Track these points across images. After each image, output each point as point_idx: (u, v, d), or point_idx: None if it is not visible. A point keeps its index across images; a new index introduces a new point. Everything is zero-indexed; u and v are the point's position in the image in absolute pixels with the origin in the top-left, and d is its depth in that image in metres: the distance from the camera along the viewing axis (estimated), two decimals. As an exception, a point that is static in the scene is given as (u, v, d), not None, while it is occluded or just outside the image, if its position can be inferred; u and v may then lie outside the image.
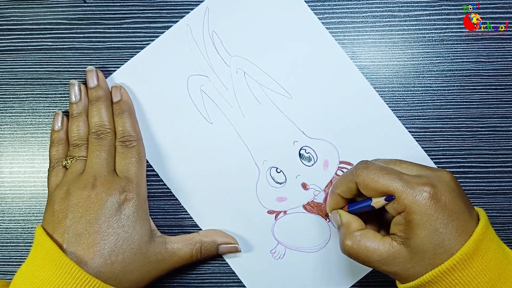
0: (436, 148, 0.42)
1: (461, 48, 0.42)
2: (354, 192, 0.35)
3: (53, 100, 0.43)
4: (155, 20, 0.42)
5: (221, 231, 0.41)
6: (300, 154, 0.42)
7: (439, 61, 0.42)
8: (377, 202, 0.34)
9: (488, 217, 0.34)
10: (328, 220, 0.41)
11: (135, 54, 0.42)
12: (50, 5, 0.43)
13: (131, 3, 0.42)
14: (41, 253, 0.34)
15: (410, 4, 0.42)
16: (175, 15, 0.42)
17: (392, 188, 0.32)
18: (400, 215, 0.33)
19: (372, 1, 0.42)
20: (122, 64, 0.42)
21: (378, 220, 0.37)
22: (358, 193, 0.36)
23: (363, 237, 0.34)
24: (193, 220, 0.42)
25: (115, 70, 0.42)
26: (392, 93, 0.42)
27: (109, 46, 0.42)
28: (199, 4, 0.42)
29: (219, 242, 0.40)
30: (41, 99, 0.43)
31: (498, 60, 0.42)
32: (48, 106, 0.43)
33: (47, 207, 0.37)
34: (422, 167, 0.35)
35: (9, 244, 0.43)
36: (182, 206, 0.42)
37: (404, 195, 0.32)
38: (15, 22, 0.43)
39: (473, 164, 0.42)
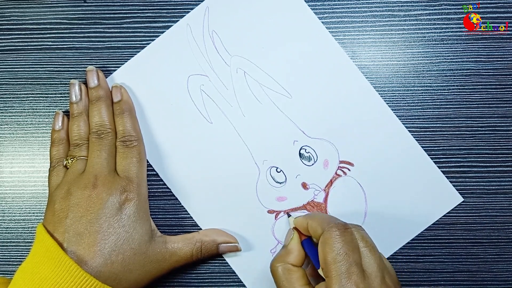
0: (436, 148, 0.42)
1: (461, 48, 0.42)
2: (317, 237, 0.35)
3: (53, 100, 0.43)
4: (155, 20, 0.42)
5: (221, 230, 0.41)
6: (300, 154, 0.42)
7: (439, 61, 0.42)
8: (322, 272, 0.34)
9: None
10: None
11: (135, 54, 0.42)
12: (50, 5, 0.43)
13: (131, 3, 0.42)
14: (41, 250, 0.35)
15: (410, 4, 0.42)
16: (175, 15, 0.42)
17: (335, 270, 0.32)
18: None
19: (372, 1, 0.42)
20: (122, 64, 0.42)
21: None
22: None
23: (291, 273, 0.35)
24: (193, 220, 0.42)
25: (115, 70, 0.42)
26: (392, 93, 0.42)
27: (109, 46, 0.42)
28: (199, 4, 0.42)
29: (219, 241, 0.40)
30: (41, 99, 0.43)
31: (498, 60, 0.42)
32: (48, 106, 0.43)
33: (48, 207, 0.37)
34: (379, 270, 0.33)
35: (9, 244, 0.43)
36: (182, 206, 0.42)
37: (336, 284, 0.32)
38: (15, 22, 0.43)
39: (473, 164, 0.42)
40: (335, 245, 0.33)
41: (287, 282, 0.35)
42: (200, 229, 0.42)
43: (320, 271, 0.34)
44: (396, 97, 0.42)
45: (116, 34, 0.42)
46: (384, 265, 0.34)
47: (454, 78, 0.42)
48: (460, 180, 0.42)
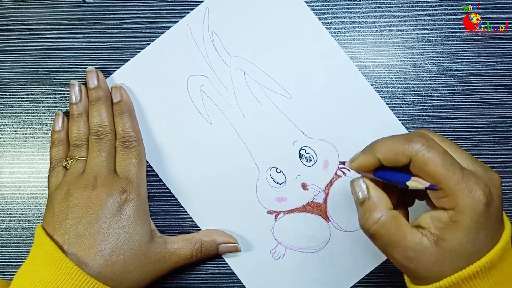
0: (436, 148, 0.41)
1: (461, 48, 0.42)
2: (400, 165, 0.30)
3: (53, 100, 0.43)
4: (155, 20, 0.42)
5: (221, 231, 0.41)
6: (300, 154, 0.42)
7: (439, 61, 0.42)
8: (416, 184, 0.29)
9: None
10: (328, 221, 0.41)
11: (135, 54, 0.42)
12: (50, 5, 0.43)
13: (131, 3, 0.42)
14: (41, 253, 0.35)
15: (410, 4, 0.42)
16: (175, 15, 0.42)
17: (451, 182, 0.28)
18: (445, 212, 0.29)
19: (372, 1, 0.42)
20: (122, 64, 0.42)
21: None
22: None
23: (396, 218, 0.30)
24: (193, 221, 0.42)
25: (115, 70, 0.42)
26: (392, 93, 0.42)
27: (109, 46, 0.42)
28: (199, 4, 0.42)
29: (219, 242, 0.40)
30: (41, 99, 0.43)
31: (498, 60, 0.42)
32: (48, 107, 0.43)
33: (47, 208, 0.37)
34: (474, 161, 0.31)
35: (9, 245, 0.43)
36: (182, 207, 0.42)
37: (461, 193, 0.28)
38: (15, 22, 0.43)
39: (473, 164, 0.42)
40: (434, 161, 0.28)
41: (398, 232, 0.30)
42: (200, 229, 0.42)
43: (413, 183, 0.29)
44: (396, 97, 0.42)
45: (116, 35, 0.42)
46: (470, 154, 0.31)
47: (454, 79, 0.42)
48: (460, 180, 0.41)
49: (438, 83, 0.42)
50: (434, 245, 0.29)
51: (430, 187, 0.29)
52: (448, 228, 0.29)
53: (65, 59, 0.42)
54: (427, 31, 0.42)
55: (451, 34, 0.42)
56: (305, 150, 0.42)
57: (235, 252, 0.41)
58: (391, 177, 0.31)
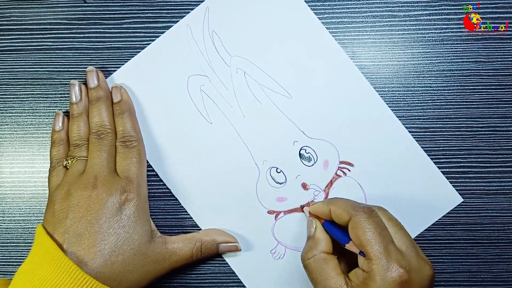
0: (436, 148, 0.42)
1: (461, 48, 0.42)
2: (342, 223, 0.36)
3: (53, 100, 0.43)
4: (155, 20, 0.42)
5: (221, 230, 0.41)
6: (300, 154, 0.42)
7: (439, 61, 0.42)
8: (351, 247, 0.34)
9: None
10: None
11: (135, 54, 0.42)
12: (50, 5, 0.43)
13: (131, 3, 0.42)
14: (40, 251, 0.35)
15: (410, 4, 0.42)
16: (175, 15, 0.42)
17: (371, 250, 0.32)
18: (363, 272, 0.33)
19: (372, 1, 0.42)
20: (122, 64, 0.42)
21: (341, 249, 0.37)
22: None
23: (327, 262, 0.35)
24: (193, 220, 0.42)
25: (115, 70, 0.42)
26: (392, 93, 0.42)
27: (109, 46, 0.42)
28: (199, 4, 0.42)
29: (219, 241, 0.40)
30: (41, 99, 0.43)
31: (498, 60, 0.42)
32: (48, 106, 0.43)
33: (48, 207, 0.37)
34: (413, 246, 0.34)
35: (9, 244, 0.43)
36: (182, 206, 0.42)
37: (378, 264, 0.32)
38: (15, 22, 0.43)
39: (473, 164, 0.42)
40: (367, 228, 0.33)
41: (323, 273, 0.34)
42: (200, 229, 0.42)
43: (350, 245, 0.34)
44: (396, 97, 0.42)
45: (116, 35, 0.42)
46: (414, 241, 0.35)
47: (454, 79, 0.42)
48: (460, 180, 0.41)
49: (438, 83, 0.42)
50: None
51: (361, 254, 0.33)
52: (360, 286, 0.33)
53: (65, 59, 0.43)
54: (427, 31, 0.42)
55: (451, 34, 0.42)
56: (305, 150, 0.42)
57: (235, 251, 0.41)
58: (334, 233, 0.36)
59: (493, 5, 0.42)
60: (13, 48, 0.43)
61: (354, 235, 0.34)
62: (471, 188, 0.42)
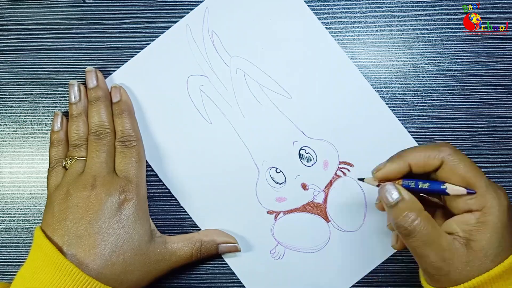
0: (436, 148, 0.41)
1: (461, 48, 0.42)
2: (430, 170, 0.32)
3: (53, 100, 0.43)
4: (155, 20, 0.42)
5: (221, 231, 0.41)
6: (299, 154, 0.42)
7: (439, 61, 0.42)
8: (455, 189, 0.31)
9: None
10: (328, 221, 0.41)
11: (135, 54, 0.42)
12: (50, 5, 0.43)
13: (131, 3, 0.42)
14: (40, 255, 0.34)
15: (410, 4, 0.42)
16: (175, 15, 0.42)
17: (479, 184, 0.30)
18: (472, 214, 0.30)
19: (372, 1, 0.42)
20: (122, 64, 0.42)
21: None
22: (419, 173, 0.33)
23: (430, 218, 0.31)
24: (193, 220, 0.42)
25: (114, 70, 0.42)
26: (392, 93, 0.42)
27: (109, 46, 0.42)
28: (199, 4, 0.42)
29: (219, 241, 0.40)
30: (40, 99, 0.43)
31: (498, 60, 0.42)
32: (48, 106, 0.43)
33: (47, 208, 0.37)
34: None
35: (8, 245, 0.43)
36: (182, 207, 0.42)
37: (488, 195, 0.30)
38: (15, 22, 0.43)
39: (473, 164, 0.42)
40: (466, 162, 0.31)
41: (435, 232, 0.30)
42: (200, 229, 0.42)
43: (453, 190, 0.31)
44: (396, 97, 0.42)
45: (116, 35, 0.42)
46: None
47: (454, 79, 0.42)
48: (460, 180, 0.41)
49: (438, 83, 0.42)
50: (465, 247, 0.30)
51: (469, 192, 0.30)
52: (475, 229, 0.30)
53: (65, 59, 0.42)
54: (427, 31, 0.42)
55: (451, 34, 0.42)
56: (305, 150, 0.42)
57: (234, 252, 0.41)
58: (425, 187, 0.32)
59: (493, 5, 0.42)
60: (13, 48, 0.43)
61: (455, 176, 0.31)
62: (471, 188, 0.42)
